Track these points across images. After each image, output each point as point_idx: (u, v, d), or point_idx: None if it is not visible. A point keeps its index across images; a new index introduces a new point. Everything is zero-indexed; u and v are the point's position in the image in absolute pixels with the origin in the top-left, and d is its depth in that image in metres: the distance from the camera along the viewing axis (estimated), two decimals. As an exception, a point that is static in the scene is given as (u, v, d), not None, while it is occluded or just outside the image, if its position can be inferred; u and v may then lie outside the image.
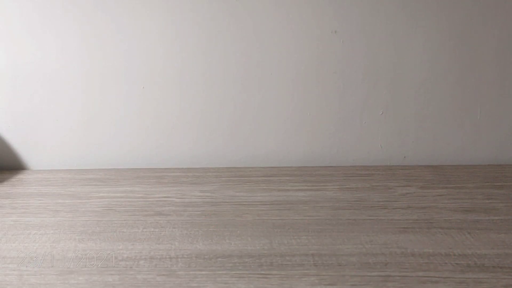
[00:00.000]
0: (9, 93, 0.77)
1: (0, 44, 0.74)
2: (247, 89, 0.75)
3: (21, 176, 0.75)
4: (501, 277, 0.41)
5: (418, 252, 0.46)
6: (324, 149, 0.78)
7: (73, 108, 0.77)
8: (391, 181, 0.68)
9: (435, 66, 0.74)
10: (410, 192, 0.63)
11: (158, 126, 0.77)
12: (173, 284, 0.41)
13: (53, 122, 0.78)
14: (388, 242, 0.48)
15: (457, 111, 0.75)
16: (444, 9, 0.72)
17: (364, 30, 0.73)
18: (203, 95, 0.75)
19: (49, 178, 0.73)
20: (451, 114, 0.76)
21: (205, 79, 0.75)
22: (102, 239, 0.50)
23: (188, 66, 0.74)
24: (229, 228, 0.52)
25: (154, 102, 0.76)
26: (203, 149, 0.78)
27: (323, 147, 0.77)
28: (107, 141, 0.77)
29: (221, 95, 0.75)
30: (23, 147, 0.79)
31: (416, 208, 0.57)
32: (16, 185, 0.70)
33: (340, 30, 0.73)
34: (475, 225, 0.52)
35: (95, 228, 0.53)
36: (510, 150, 0.77)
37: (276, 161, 0.78)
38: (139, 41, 0.74)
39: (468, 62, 0.74)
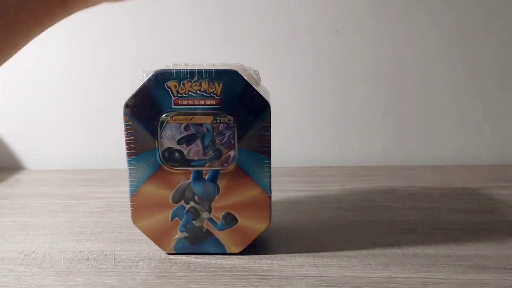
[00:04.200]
0: (7, 94, 0.77)
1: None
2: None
3: (19, 176, 0.75)
4: (504, 278, 0.41)
5: (420, 253, 0.45)
6: (325, 150, 0.77)
7: (72, 108, 0.77)
8: (393, 181, 0.67)
9: (437, 66, 0.74)
10: (412, 193, 0.62)
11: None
12: (172, 285, 0.40)
13: (52, 123, 0.77)
14: (390, 243, 0.48)
15: (459, 111, 0.75)
16: (446, 9, 0.71)
17: (365, 29, 0.72)
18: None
19: (47, 178, 0.73)
20: (453, 114, 0.75)
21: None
22: (101, 240, 0.49)
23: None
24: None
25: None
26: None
27: (324, 147, 0.77)
28: (106, 141, 0.77)
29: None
30: (21, 147, 0.79)
31: (418, 209, 0.57)
32: (14, 185, 0.70)
33: (340, 29, 0.73)
34: (477, 226, 0.51)
35: (93, 229, 0.52)
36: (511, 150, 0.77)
37: (276, 161, 0.77)
38: (139, 41, 0.74)
39: (470, 62, 0.73)
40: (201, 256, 0.45)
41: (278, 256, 0.45)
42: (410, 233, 0.50)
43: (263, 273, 0.42)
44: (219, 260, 0.45)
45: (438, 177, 0.69)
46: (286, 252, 0.46)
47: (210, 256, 0.45)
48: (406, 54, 0.73)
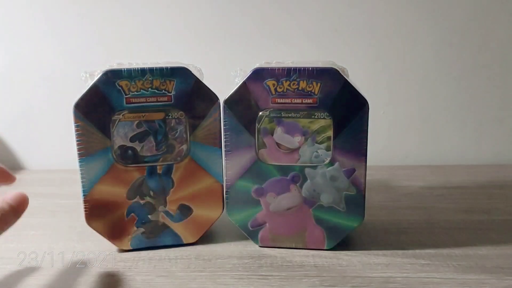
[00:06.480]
0: (7, 93, 0.77)
1: (-1, 43, 0.74)
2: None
3: (19, 176, 0.74)
4: (503, 278, 0.41)
5: (419, 253, 0.45)
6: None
7: (71, 108, 0.76)
8: (392, 181, 0.67)
9: (437, 65, 0.74)
10: (410, 192, 0.62)
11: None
12: (172, 285, 0.40)
13: (52, 122, 0.77)
14: (389, 242, 0.48)
15: (458, 111, 0.75)
16: (446, 8, 0.71)
17: (365, 28, 0.72)
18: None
19: (48, 178, 0.73)
20: (452, 113, 0.75)
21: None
22: (101, 240, 0.49)
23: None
24: (229, 228, 0.51)
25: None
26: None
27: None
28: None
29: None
30: (21, 147, 0.79)
31: (417, 208, 0.57)
32: (14, 185, 0.70)
33: (340, 29, 0.73)
34: (476, 226, 0.51)
35: (93, 229, 0.52)
36: (511, 150, 0.77)
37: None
38: (139, 39, 0.74)
39: (470, 61, 0.73)
40: (201, 256, 0.46)
41: (278, 256, 0.45)
42: (409, 232, 0.50)
43: (263, 273, 0.42)
44: (219, 260, 0.45)
45: (438, 177, 0.69)
46: (287, 252, 0.46)
47: (211, 256, 0.45)
48: (407, 53, 0.73)
